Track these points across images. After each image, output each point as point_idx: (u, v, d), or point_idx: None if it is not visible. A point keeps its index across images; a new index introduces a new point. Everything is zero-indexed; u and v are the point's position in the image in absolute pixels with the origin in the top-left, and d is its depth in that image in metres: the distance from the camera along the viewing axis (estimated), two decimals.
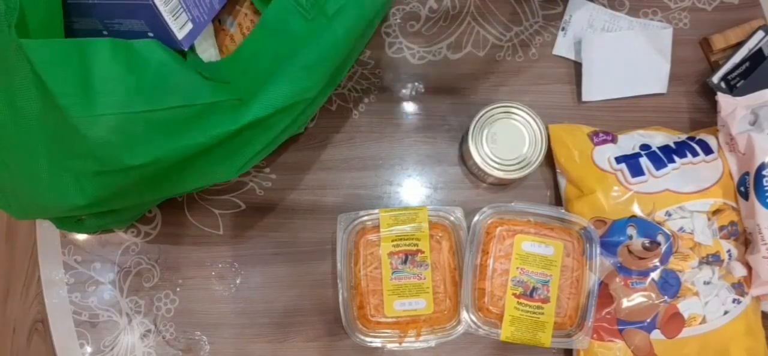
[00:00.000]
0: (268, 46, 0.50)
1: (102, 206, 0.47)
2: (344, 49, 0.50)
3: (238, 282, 0.64)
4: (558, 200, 0.65)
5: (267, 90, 0.47)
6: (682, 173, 0.60)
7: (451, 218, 0.61)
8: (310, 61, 0.48)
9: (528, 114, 0.62)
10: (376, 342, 0.59)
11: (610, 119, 0.68)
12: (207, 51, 0.55)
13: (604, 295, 0.60)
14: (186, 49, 0.50)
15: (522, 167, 0.61)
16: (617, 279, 0.59)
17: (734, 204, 0.61)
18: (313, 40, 0.48)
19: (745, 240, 0.62)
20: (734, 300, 0.60)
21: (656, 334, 0.59)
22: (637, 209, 0.60)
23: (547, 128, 0.63)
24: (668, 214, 0.59)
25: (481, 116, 0.62)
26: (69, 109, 0.39)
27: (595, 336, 0.59)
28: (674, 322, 0.59)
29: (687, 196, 0.60)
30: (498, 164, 0.61)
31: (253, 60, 0.51)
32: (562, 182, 0.65)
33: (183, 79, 0.44)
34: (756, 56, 0.65)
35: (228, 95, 0.47)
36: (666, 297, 0.59)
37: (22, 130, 0.43)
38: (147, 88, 0.42)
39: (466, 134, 0.63)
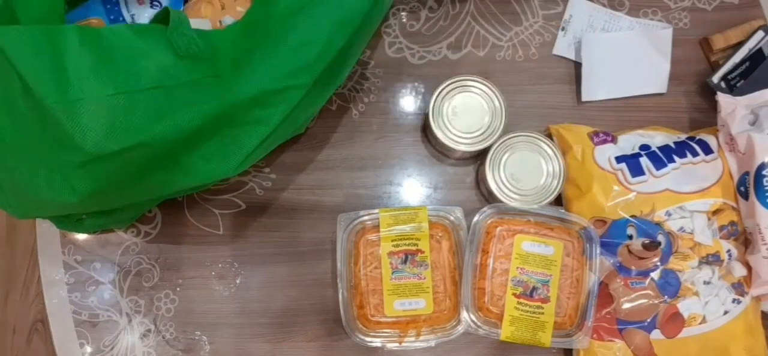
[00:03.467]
0: (258, 24, 0.49)
1: (95, 203, 0.47)
2: (334, 37, 0.49)
3: (238, 282, 0.64)
4: (558, 200, 0.65)
5: (253, 69, 0.46)
6: (682, 173, 0.60)
7: (451, 218, 0.61)
8: (299, 42, 0.48)
9: (486, 86, 0.63)
10: (376, 342, 0.59)
11: (610, 119, 0.68)
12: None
13: (604, 295, 0.60)
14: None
15: (485, 138, 0.62)
16: (617, 279, 0.59)
17: (734, 204, 0.61)
18: (305, 22, 0.48)
19: (745, 240, 0.62)
20: (734, 300, 0.60)
21: (656, 334, 0.59)
22: (637, 209, 0.60)
23: (505, 101, 0.63)
24: (668, 214, 0.59)
25: (440, 93, 0.63)
26: (44, 96, 0.39)
27: (595, 335, 0.59)
28: (674, 322, 0.59)
29: (687, 196, 0.60)
30: (460, 137, 0.62)
31: (243, 37, 0.49)
32: None
33: (155, 60, 0.43)
34: (756, 56, 0.65)
35: (205, 72, 0.46)
36: (666, 296, 0.59)
37: (18, 127, 0.43)
38: (119, 71, 0.42)
39: (427, 113, 0.63)
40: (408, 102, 0.69)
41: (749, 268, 0.61)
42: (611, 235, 0.60)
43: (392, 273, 0.60)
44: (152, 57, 0.44)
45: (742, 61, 0.66)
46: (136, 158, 0.44)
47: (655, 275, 0.59)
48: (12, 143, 0.44)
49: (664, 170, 0.60)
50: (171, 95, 0.44)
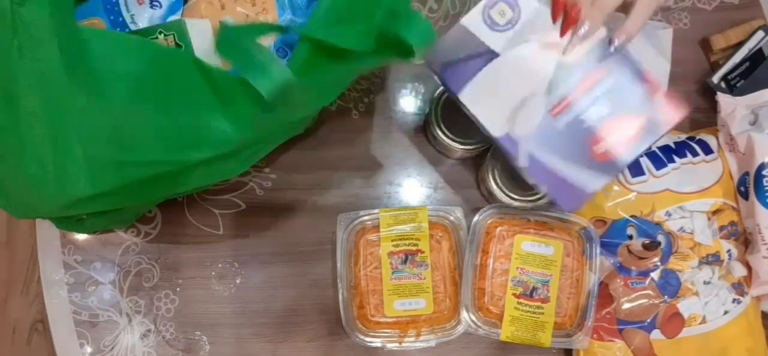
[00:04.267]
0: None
1: (107, 199, 0.47)
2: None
3: (238, 282, 0.64)
4: None
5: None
6: (682, 173, 0.60)
7: (451, 218, 0.61)
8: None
9: None
10: (376, 342, 0.59)
11: None
12: None
13: (604, 295, 0.60)
14: None
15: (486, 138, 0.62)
16: (617, 279, 0.59)
17: (734, 204, 0.61)
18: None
19: (745, 240, 0.62)
20: (734, 300, 0.60)
21: (656, 334, 0.59)
22: (637, 209, 0.60)
23: None
24: (668, 214, 0.59)
25: (440, 93, 0.62)
26: (116, 101, 0.41)
27: (595, 336, 0.59)
28: (674, 322, 0.59)
29: (687, 196, 0.60)
30: (460, 137, 0.62)
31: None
32: None
33: (216, 118, 0.45)
34: (756, 56, 0.65)
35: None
36: (666, 297, 0.59)
37: (23, 125, 0.44)
38: (193, 106, 0.44)
39: (427, 113, 0.63)
40: (408, 102, 0.69)
41: (749, 268, 0.61)
42: (611, 235, 0.60)
43: (392, 273, 0.60)
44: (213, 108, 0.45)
45: (742, 62, 0.66)
46: (165, 169, 0.46)
47: (655, 275, 0.59)
48: (17, 141, 0.45)
49: (664, 170, 0.60)
50: (224, 137, 0.46)
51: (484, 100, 0.52)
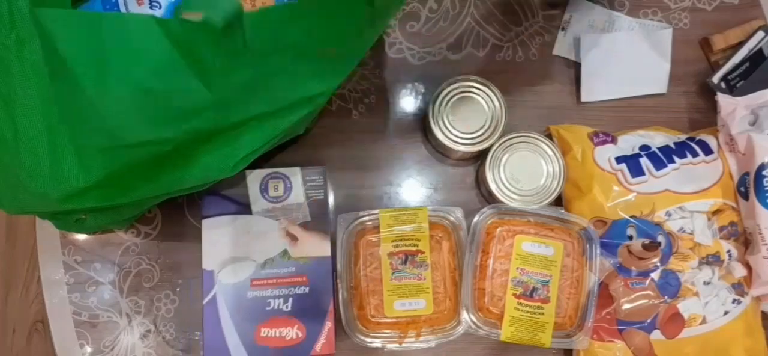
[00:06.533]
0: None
1: (102, 191, 0.47)
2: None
3: None
4: (558, 201, 0.65)
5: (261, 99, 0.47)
6: (681, 174, 0.60)
7: (451, 219, 0.61)
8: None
9: (486, 86, 0.63)
10: (376, 343, 0.59)
11: (610, 119, 0.68)
12: None
13: (604, 295, 0.60)
14: None
15: (485, 139, 0.62)
16: (617, 280, 0.59)
17: (734, 204, 0.61)
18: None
19: (745, 240, 0.62)
20: (734, 301, 0.60)
21: (656, 334, 0.59)
22: (637, 210, 0.60)
23: (505, 102, 0.63)
24: (668, 214, 0.59)
25: (439, 93, 0.63)
26: (84, 80, 0.40)
27: (595, 336, 0.59)
28: (674, 322, 0.59)
29: (687, 196, 0.60)
30: (460, 138, 0.62)
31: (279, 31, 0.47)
32: None
33: (193, 63, 0.44)
34: (756, 56, 0.65)
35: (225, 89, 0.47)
36: (666, 297, 0.59)
37: (19, 117, 0.43)
38: (159, 70, 0.42)
39: (427, 114, 0.63)
40: (408, 102, 0.69)
41: (749, 268, 0.61)
42: (611, 235, 0.60)
43: (392, 274, 0.60)
44: (190, 57, 0.44)
45: (742, 62, 0.66)
46: (154, 150, 0.45)
47: (655, 275, 0.59)
48: (10, 136, 0.44)
49: (664, 171, 0.60)
50: (197, 98, 0.44)
51: (216, 237, 0.60)
